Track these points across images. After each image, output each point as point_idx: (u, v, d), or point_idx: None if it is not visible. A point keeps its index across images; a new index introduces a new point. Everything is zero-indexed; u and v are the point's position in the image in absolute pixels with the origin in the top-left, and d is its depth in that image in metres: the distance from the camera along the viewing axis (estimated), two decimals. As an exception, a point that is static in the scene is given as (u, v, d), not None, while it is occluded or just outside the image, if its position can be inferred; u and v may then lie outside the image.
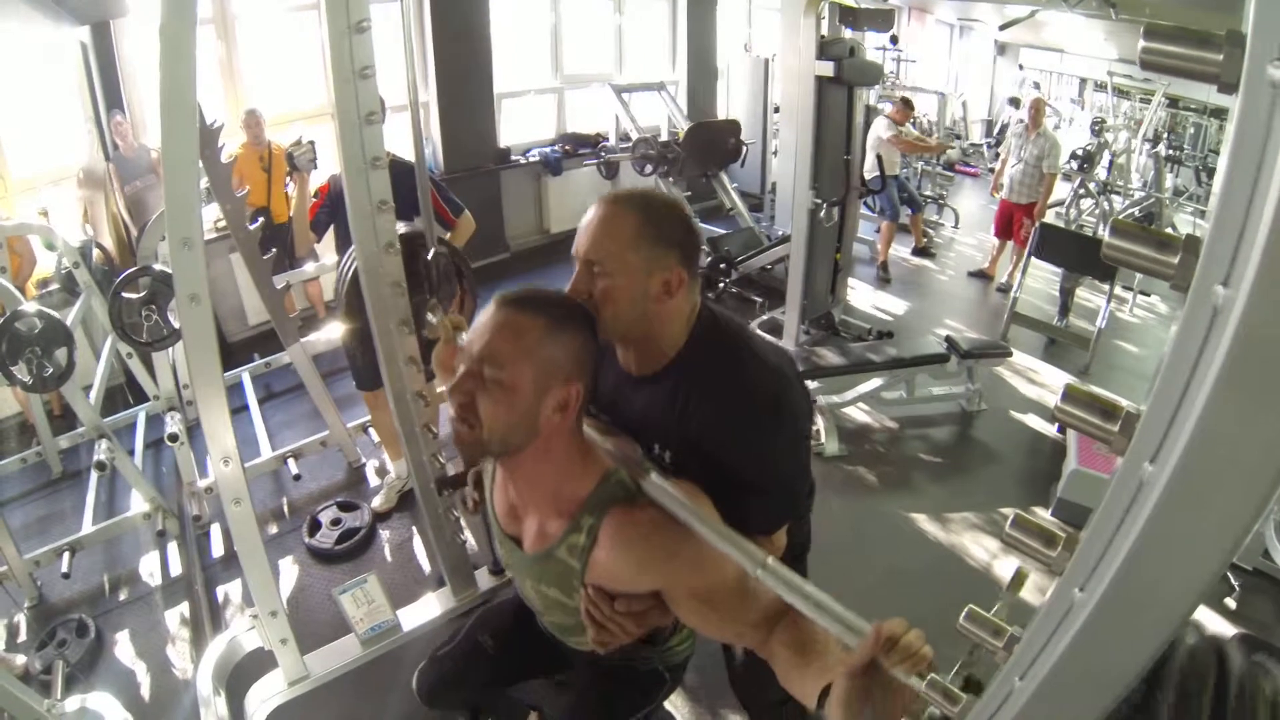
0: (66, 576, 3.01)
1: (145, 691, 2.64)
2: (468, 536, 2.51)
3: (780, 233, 6.06)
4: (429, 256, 2.24)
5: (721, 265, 5.48)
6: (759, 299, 5.65)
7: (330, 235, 3.27)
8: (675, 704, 2.45)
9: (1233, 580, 2.89)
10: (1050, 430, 4.11)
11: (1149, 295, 6.14)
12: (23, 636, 2.91)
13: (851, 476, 3.78)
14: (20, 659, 2.69)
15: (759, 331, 1.52)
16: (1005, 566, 3.09)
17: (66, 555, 3.05)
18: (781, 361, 1.43)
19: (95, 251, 3.88)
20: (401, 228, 2.01)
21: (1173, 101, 8.89)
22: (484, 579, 2.50)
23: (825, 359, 4.95)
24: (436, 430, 2.21)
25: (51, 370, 2.70)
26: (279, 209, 4.78)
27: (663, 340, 1.37)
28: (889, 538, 3.33)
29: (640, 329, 1.35)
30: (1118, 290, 4.88)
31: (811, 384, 3.96)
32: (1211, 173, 8.60)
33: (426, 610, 2.46)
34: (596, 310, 1.29)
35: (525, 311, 1.16)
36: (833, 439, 3.89)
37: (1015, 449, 4.06)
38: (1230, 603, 2.87)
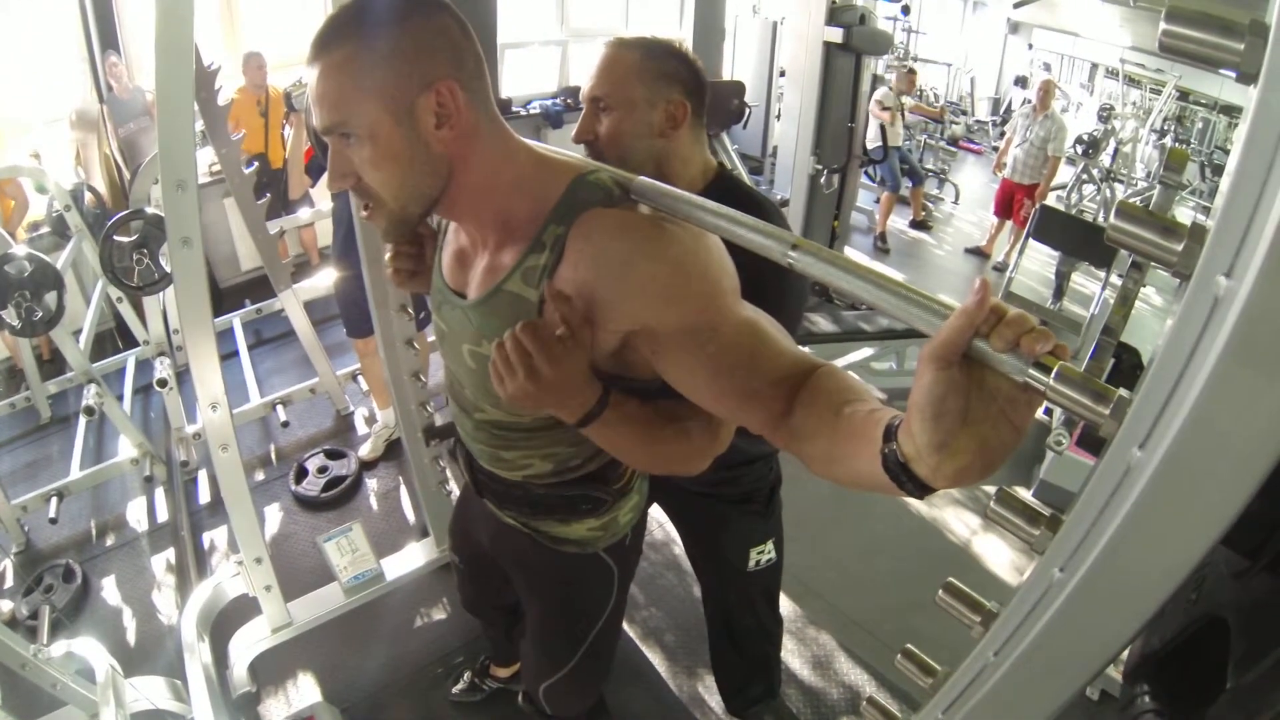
0: (54, 522, 3.02)
1: (130, 637, 2.66)
2: (453, 487, 2.52)
3: (780, 196, 6.04)
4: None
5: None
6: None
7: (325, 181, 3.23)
8: (655, 664, 2.49)
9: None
10: (1036, 412, 4.13)
11: (1144, 286, 6.13)
12: (9, 582, 2.92)
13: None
14: (7, 605, 2.71)
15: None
16: (984, 543, 3.13)
17: (54, 501, 3.05)
18: None
19: (87, 194, 3.84)
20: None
21: (1183, 95, 8.81)
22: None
23: (817, 325, 4.95)
24: (425, 379, 2.21)
25: (41, 314, 2.68)
26: (275, 154, 4.72)
27: (674, 181, 1.32)
28: (869, 508, 3.36)
29: (649, 167, 1.34)
30: (1114, 278, 4.87)
31: (803, 349, 3.96)
32: (1216, 169, 8.55)
33: (410, 560, 2.49)
34: (603, 153, 1.29)
35: (331, 44, 0.89)
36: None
37: (1001, 428, 4.07)
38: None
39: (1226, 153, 8.60)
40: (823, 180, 4.49)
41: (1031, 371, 0.56)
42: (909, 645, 0.82)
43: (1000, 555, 3.08)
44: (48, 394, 3.84)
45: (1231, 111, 8.72)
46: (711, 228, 0.86)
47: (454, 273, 1.10)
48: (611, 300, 0.90)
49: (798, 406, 0.85)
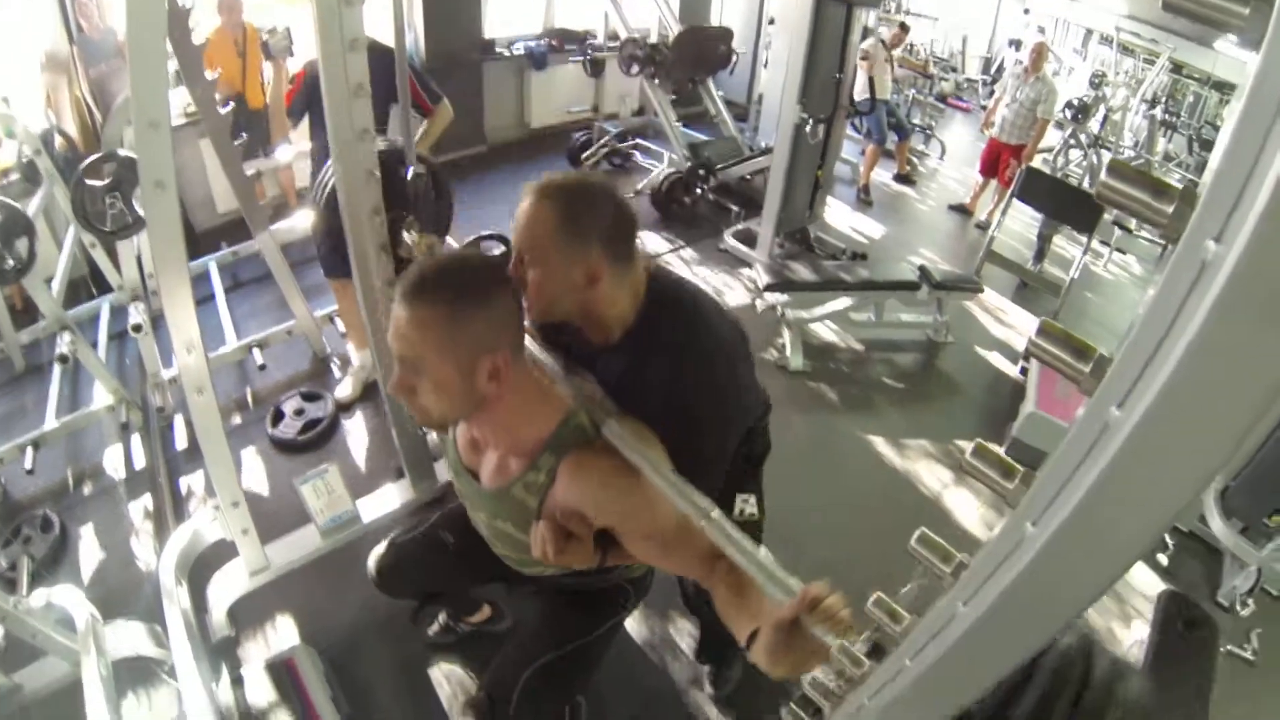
0: (30, 473, 3.00)
1: (110, 584, 2.66)
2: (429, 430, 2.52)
3: (763, 144, 5.99)
4: (408, 175, 2.19)
5: (701, 172, 5.45)
6: (736, 208, 5.69)
7: (305, 124, 3.16)
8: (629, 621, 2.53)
9: (1168, 539, 3.02)
10: (1012, 370, 4.19)
11: (1125, 254, 6.19)
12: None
13: (814, 393, 3.85)
14: (-15, 558, 2.69)
15: (708, 298, 1.55)
16: (956, 496, 3.20)
17: (30, 451, 3.02)
18: (733, 335, 1.53)
19: (58, 138, 3.72)
20: (380, 144, 1.96)
21: (1176, 67, 8.76)
22: (443, 471, 2.53)
23: (797, 274, 4.97)
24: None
25: (12, 262, 2.61)
26: (254, 94, 4.59)
27: (607, 319, 1.44)
28: (845, 457, 3.41)
29: (579, 313, 1.42)
30: (1094, 244, 4.90)
31: (781, 297, 3.98)
32: (1205, 143, 8.54)
33: (386, 501, 2.51)
34: (531, 300, 1.36)
35: (425, 303, 1.17)
36: (798, 354, 3.94)
37: (976, 384, 4.14)
38: (1163, 559, 3.01)
39: (1216, 128, 8.63)
40: (808, 130, 4.45)
41: (828, 638, 0.92)
42: (879, 593, 0.84)
43: (970, 511, 3.14)
44: (21, 343, 3.75)
45: (1223, 88, 8.71)
46: (651, 479, 1.20)
47: (467, 453, 1.46)
48: (590, 513, 1.29)
49: (715, 577, 1.22)
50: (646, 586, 1.76)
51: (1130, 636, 2.63)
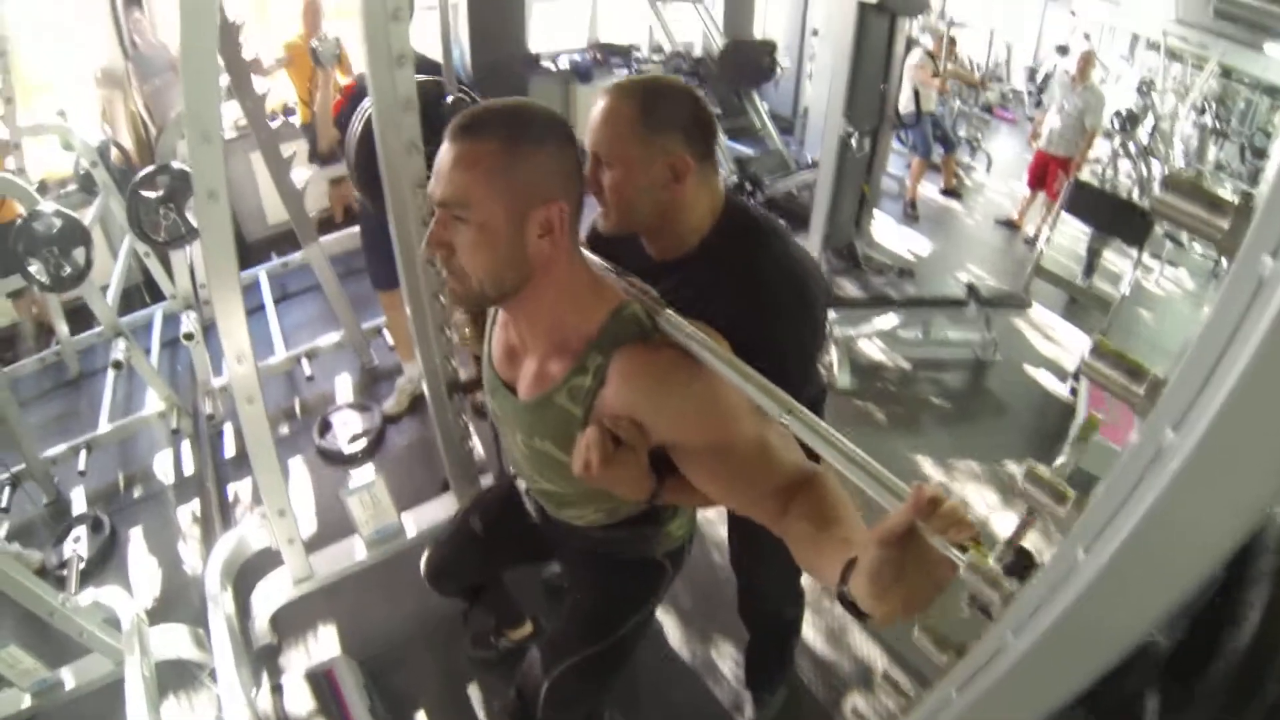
0: (83, 474, 3.09)
1: (156, 586, 2.73)
2: (476, 443, 2.54)
3: (809, 158, 5.94)
4: (449, 101, 2.16)
5: (748, 186, 5.41)
6: (783, 223, 5.58)
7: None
8: (668, 626, 2.52)
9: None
10: (1061, 390, 4.08)
11: (1176, 267, 6.02)
12: (40, 533, 2.99)
13: (861, 412, 3.79)
14: (37, 555, 2.79)
15: (786, 230, 1.50)
16: (1004, 520, 3.11)
17: (83, 453, 3.13)
18: (805, 257, 1.45)
19: (114, 151, 3.84)
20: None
21: (1225, 72, 8.51)
22: (489, 484, 2.53)
23: (844, 290, 4.91)
24: (450, 332, 2.21)
25: (69, 270, 2.70)
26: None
27: (681, 228, 1.37)
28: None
29: (654, 219, 1.34)
30: (1145, 258, 4.77)
31: (829, 314, 3.94)
32: (1257, 151, 8.26)
33: (431, 515, 2.51)
34: (608, 206, 1.31)
35: (478, 136, 1.02)
36: (845, 372, 3.89)
37: (1024, 404, 4.04)
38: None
39: (1268, 135, 8.35)
40: (853, 143, 4.41)
41: (952, 550, 0.76)
42: (928, 620, 0.82)
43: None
44: (76, 349, 3.89)
45: (1275, 93, 8.41)
46: (718, 370, 1.04)
47: (504, 365, 1.28)
48: (645, 424, 1.09)
49: (791, 514, 1.04)
50: (682, 561, 1.60)
51: None
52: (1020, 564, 0.70)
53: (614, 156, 1.29)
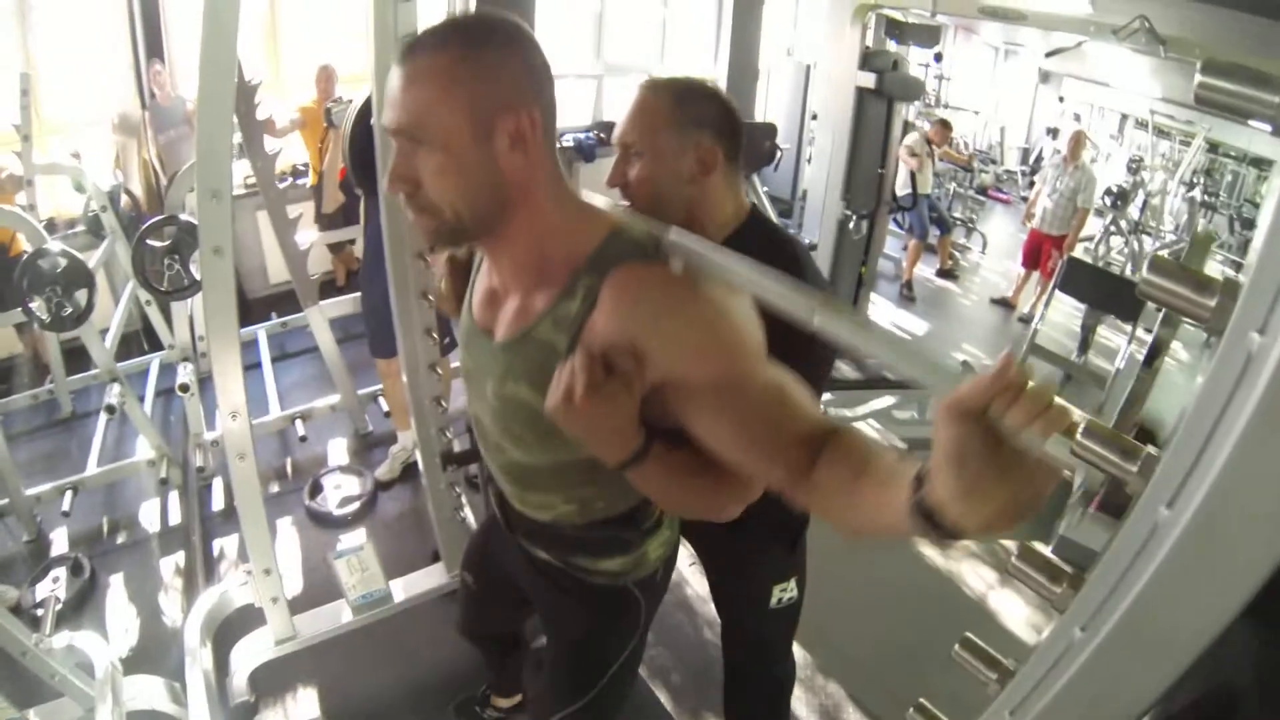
0: (66, 515, 3.05)
1: (134, 635, 2.66)
2: (468, 514, 2.51)
3: (808, 240, 6.03)
4: None
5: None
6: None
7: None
8: (662, 702, 2.45)
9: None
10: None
11: (1173, 340, 6.06)
12: (18, 571, 2.93)
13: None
14: (13, 592, 2.72)
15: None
16: (1000, 599, 3.07)
17: (69, 494, 3.09)
18: (824, 283, 1.44)
19: (124, 197, 3.92)
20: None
21: (1212, 146, 8.75)
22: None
23: (840, 372, 4.92)
24: (446, 404, 2.22)
25: (70, 310, 2.71)
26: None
27: (706, 226, 1.37)
28: (886, 557, 3.29)
29: (680, 214, 1.32)
30: (1139, 333, 4.82)
31: (825, 396, 3.94)
32: (1246, 222, 8.44)
33: (419, 583, 2.47)
34: (634, 198, 1.30)
35: (428, 50, 0.91)
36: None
37: (1021, 480, 4.00)
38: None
39: (1256, 206, 8.55)
40: (851, 226, 4.50)
41: (1048, 446, 0.57)
42: (922, 700, 0.80)
43: (1016, 612, 3.02)
44: (70, 389, 3.89)
45: (1261, 164, 8.62)
46: (739, 284, 0.90)
47: (483, 312, 1.12)
48: (642, 353, 0.91)
49: (821, 463, 0.86)
50: (658, 594, 1.44)
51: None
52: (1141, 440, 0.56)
53: (645, 146, 1.31)
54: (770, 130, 6.27)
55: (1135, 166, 8.11)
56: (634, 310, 0.92)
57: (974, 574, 3.20)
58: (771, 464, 0.91)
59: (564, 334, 0.97)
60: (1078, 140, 5.77)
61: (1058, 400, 0.56)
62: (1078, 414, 0.57)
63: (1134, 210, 7.00)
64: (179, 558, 3.02)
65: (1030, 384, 0.57)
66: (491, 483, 1.36)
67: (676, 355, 0.92)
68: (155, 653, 2.58)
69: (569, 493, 1.19)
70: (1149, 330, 5.69)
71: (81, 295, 2.73)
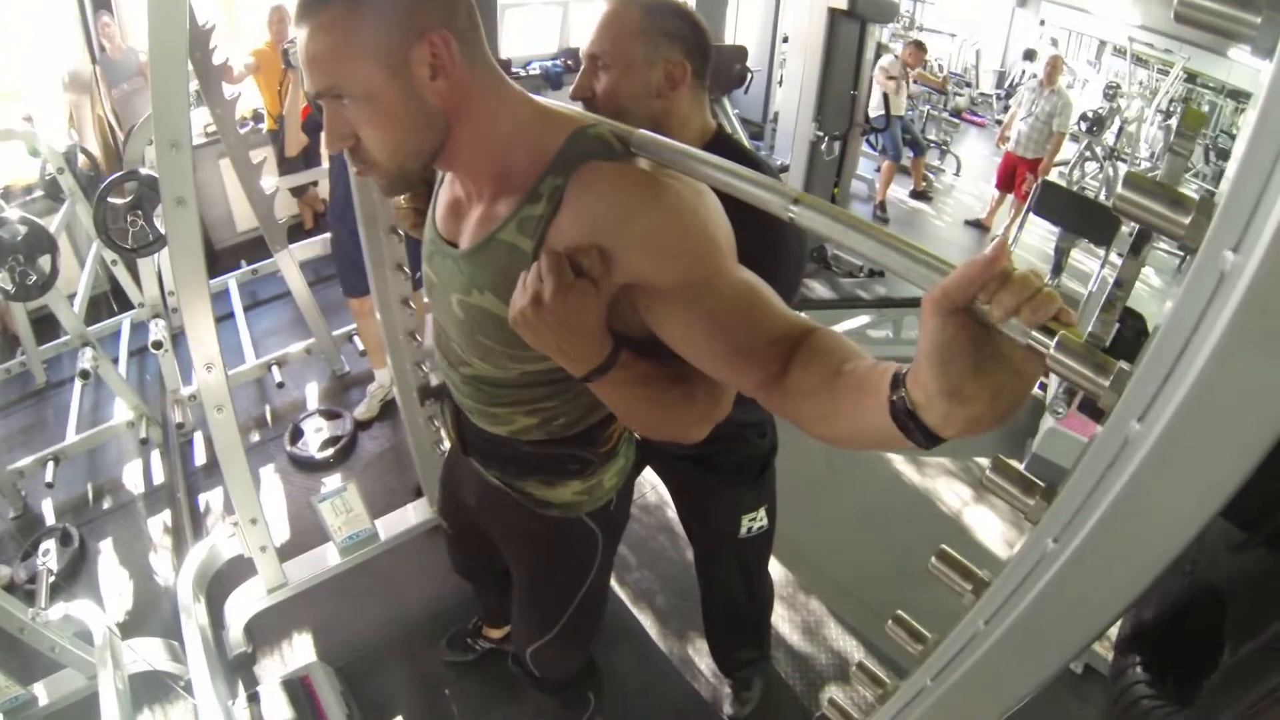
0: (50, 486, 3.03)
1: (128, 598, 2.69)
2: (447, 447, 2.53)
3: (779, 162, 6.01)
4: None
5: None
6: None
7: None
8: (645, 626, 2.52)
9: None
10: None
11: (1144, 266, 6.12)
12: (7, 547, 2.93)
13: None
14: (5, 570, 2.73)
15: None
16: (976, 515, 3.15)
17: (50, 465, 3.07)
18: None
19: (81, 157, 3.79)
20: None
21: (1191, 76, 8.69)
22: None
23: (814, 292, 4.95)
24: (421, 338, 2.21)
25: (35, 278, 2.64)
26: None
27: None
28: (863, 476, 3.37)
29: (646, 128, 1.32)
30: (1113, 256, 4.86)
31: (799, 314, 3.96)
32: (1221, 153, 8.46)
33: (404, 520, 2.51)
34: (600, 110, 1.27)
35: (319, 5, 0.86)
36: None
37: (996, 401, 4.07)
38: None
39: (1232, 137, 8.53)
40: (823, 147, 4.46)
41: (1034, 335, 0.56)
42: (900, 611, 0.82)
43: (991, 528, 3.10)
44: (42, 358, 3.83)
45: (1239, 96, 8.61)
46: (712, 181, 0.85)
47: (446, 222, 1.09)
48: (610, 252, 0.89)
49: (795, 366, 0.84)
50: (616, 525, 1.45)
51: None
52: (1127, 338, 0.55)
53: (614, 57, 1.30)
54: (741, 53, 6.15)
55: (1112, 93, 8.06)
56: (601, 209, 0.89)
57: (950, 491, 3.28)
58: (746, 367, 0.88)
59: (529, 237, 0.94)
60: (1054, 64, 5.71)
61: (1045, 287, 0.57)
62: (1054, 295, 0.57)
63: (1110, 136, 6.98)
64: (165, 517, 3.03)
65: (1016, 272, 0.57)
66: (449, 402, 1.34)
67: (645, 254, 0.89)
68: (151, 614, 2.61)
69: (532, 406, 1.16)
70: (1121, 254, 5.71)
71: (45, 262, 2.66)
